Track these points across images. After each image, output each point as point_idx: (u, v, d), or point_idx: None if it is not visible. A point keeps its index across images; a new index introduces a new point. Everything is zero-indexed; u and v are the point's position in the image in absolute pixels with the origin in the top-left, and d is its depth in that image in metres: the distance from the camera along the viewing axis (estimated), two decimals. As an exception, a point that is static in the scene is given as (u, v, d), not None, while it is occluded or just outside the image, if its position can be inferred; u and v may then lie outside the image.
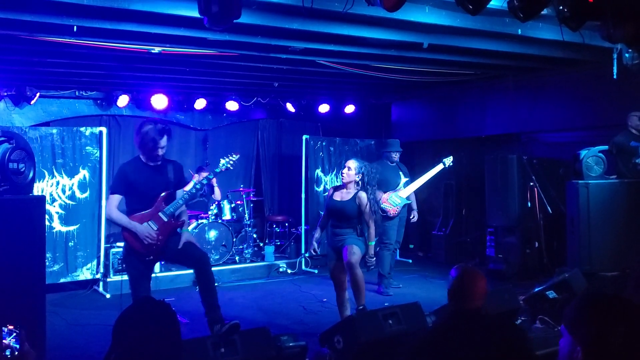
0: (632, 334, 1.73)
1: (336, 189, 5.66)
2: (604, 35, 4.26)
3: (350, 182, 5.51)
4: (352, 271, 5.29)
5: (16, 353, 2.33)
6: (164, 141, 4.58)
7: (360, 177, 5.51)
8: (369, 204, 5.42)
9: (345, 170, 5.59)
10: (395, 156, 7.67)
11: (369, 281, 7.55)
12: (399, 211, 7.43)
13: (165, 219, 4.65)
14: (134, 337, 1.86)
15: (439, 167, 7.81)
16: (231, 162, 5.03)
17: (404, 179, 7.62)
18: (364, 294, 5.35)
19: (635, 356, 1.73)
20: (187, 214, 5.07)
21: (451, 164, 7.92)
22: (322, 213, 5.92)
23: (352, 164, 5.60)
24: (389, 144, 7.79)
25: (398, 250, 7.80)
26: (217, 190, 8.94)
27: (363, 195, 5.45)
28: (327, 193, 5.75)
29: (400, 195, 7.45)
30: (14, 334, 2.36)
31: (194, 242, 4.82)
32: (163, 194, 4.68)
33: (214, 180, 8.46)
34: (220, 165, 5.02)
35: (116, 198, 4.64)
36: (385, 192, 7.32)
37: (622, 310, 1.78)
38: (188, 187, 5.34)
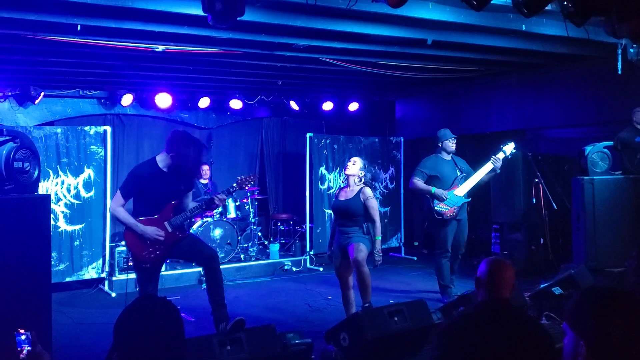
0: (631, 326, 1.75)
1: (341, 189, 5.74)
2: (608, 31, 4.25)
3: (353, 175, 5.56)
4: (358, 269, 5.29)
5: (25, 355, 2.32)
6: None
7: (363, 174, 5.59)
8: (373, 198, 5.50)
9: (350, 163, 5.65)
10: (452, 144, 6.77)
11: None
12: (457, 212, 6.63)
13: (170, 230, 4.64)
14: (136, 335, 1.83)
15: (500, 157, 6.67)
16: (249, 183, 5.00)
17: (460, 175, 6.72)
18: (370, 292, 5.35)
19: (638, 348, 1.73)
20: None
21: (514, 150, 6.82)
22: (330, 213, 5.93)
23: (358, 159, 5.69)
24: (441, 134, 6.82)
25: (460, 256, 6.97)
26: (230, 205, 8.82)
27: (368, 190, 5.51)
28: (333, 191, 5.76)
29: (456, 194, 6.62)
30: (28, 340, 2.35)
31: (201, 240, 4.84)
32: (173, 202, 4.67)
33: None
34: (234, 185, 4.94)
35: (123, 197, 4.63)
36: None
37: (620, 303, 1.79)
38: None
